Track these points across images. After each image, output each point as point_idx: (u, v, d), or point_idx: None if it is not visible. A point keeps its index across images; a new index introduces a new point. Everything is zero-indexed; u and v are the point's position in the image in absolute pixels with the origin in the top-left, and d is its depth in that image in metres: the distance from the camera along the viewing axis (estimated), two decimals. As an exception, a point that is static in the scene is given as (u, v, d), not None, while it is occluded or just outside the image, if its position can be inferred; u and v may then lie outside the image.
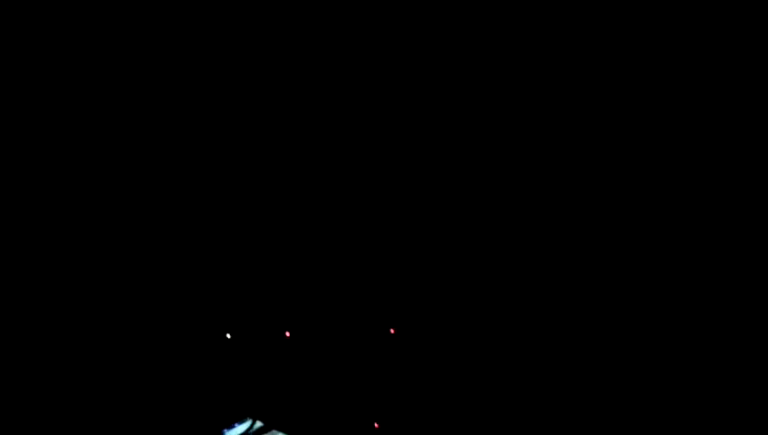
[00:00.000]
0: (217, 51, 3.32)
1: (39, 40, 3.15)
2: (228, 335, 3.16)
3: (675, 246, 2.60)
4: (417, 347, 2.91)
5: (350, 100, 3.18)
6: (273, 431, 2.90)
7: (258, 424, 2.91)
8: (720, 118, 2.47)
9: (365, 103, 3.16)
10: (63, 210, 3.21)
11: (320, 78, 3.21)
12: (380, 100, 3.11)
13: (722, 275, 2.51)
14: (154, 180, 3.35)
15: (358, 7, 3.03)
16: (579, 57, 2.70)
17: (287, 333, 3.07)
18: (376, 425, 2.84)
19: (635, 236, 2.67)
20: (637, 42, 2.59)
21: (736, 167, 2.47)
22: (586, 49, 2.68)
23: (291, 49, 3.23)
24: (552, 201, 2.82)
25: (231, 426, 2.87)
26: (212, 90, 3.36)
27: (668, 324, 2.60)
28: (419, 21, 2.95)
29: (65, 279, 3.19)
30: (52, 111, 3.21)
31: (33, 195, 3.17)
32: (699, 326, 2.54)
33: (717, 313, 2.51)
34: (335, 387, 2.96)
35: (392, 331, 2.94)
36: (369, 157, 3.21)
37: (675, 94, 2.57)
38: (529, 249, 2.84)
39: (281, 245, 3.20)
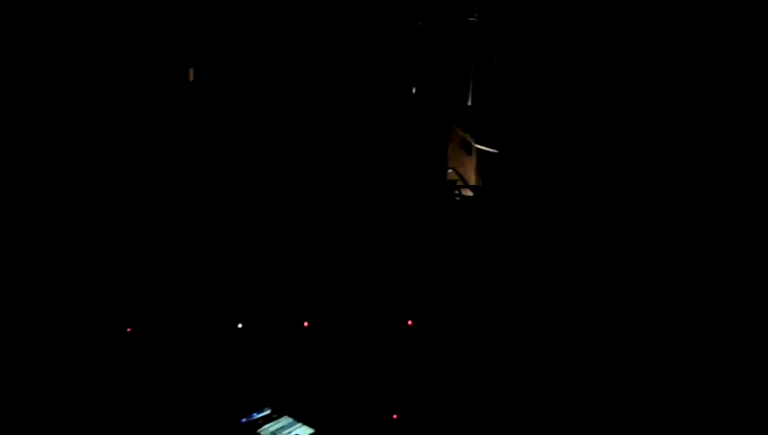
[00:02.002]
0: (213, 53, 3.35)
1: (39, 40, 3.15)
2: (240, 325, 3.16)
3: (669, 245, 2.62)
4: (435, 339, 2.91)
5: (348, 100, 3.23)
6: (286, 418, 2.89)
7: (267, 411, 2.91)
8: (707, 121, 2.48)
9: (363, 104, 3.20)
10: (69, 208, 3.22)
11: (301, 84, 3.26)
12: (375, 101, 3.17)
13: (713, 275, 2.52)
14: (172, 175, 3.36)
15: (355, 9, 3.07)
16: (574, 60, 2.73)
17: (306, 323, 3.07)
18: (395, 416, 2.84)
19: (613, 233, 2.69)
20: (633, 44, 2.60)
21: (732, 168, 2.48)
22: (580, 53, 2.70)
23: (285, 53, 3.27)
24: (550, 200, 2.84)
25: (249, 415, 2.87)
26: (207, 91, 3.40)
27: (659, 323, 2.62)
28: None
29: (86, 268, 3.20)
30: (52, 111, 3.21)
31: (33, 194, 3.18)
32: (695, 325, 2.56)
33: (710, 312, 2.53)
34: (354, 377, 2.96)
35: (410, 323, 2.93)
36: (380, 152, 3.23)
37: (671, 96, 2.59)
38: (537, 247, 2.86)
39: (301, 236, 3.20)
